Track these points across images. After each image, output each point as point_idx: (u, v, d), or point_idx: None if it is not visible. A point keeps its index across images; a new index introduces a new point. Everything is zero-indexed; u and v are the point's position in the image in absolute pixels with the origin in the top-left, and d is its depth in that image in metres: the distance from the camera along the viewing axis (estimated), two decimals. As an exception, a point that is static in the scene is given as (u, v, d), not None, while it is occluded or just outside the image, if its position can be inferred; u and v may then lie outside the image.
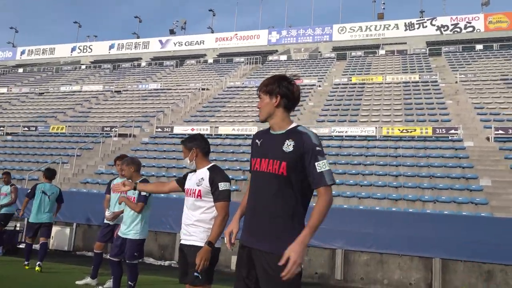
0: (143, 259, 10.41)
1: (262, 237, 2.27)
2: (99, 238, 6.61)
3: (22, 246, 10.78)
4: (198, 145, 3.60)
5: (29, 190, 7.87)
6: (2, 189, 9.12)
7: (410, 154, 14.92)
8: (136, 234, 5.21)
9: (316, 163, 2.22)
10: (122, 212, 5.82)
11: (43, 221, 7.60)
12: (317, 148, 2.25)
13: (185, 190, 3.57)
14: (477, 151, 14.80)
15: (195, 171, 3.60)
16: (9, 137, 21.63)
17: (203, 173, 3.51)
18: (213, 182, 3.42)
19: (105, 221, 6.47)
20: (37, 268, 7.27)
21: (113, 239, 5.91)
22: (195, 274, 3.21)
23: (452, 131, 16.02)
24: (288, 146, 2.26)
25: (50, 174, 7.87)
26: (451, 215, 10.15)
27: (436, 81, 24.17)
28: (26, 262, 7.64)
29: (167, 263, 10.32)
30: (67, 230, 11.31)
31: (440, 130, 16.15)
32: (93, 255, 6.94)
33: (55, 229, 11.13)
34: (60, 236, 11.29)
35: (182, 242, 3.55)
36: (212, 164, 3.63)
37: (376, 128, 17.12)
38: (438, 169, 13.52)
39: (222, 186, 3.40)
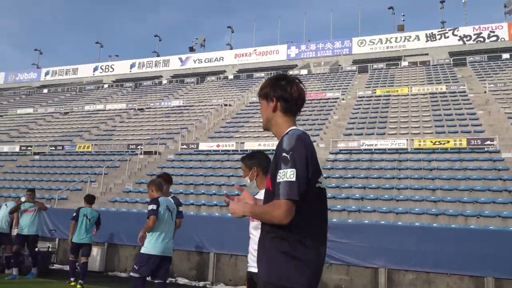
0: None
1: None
2: None
3: (54, 267, 10.67)
4: (259, 163, 3.37)
5: (74, 214, 8.52)
6: (25, 205, 8.99)
7: (446, 167, 14.40)
8: (143, 248, 5.35)
9: (278, 172, 1.89)
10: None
11: (85, 242, 8.45)
12: (283, 155, 1.90)
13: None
14: (517, 163, 14.20)
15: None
16: (36, 157, 21.85)
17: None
18: None
19: None
20: (78, 286, 7.95)
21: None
22: None
23: (488, 142, 15.45)
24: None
25: (90, 199, 8.85)
26: (502, 231, 9.61)
27: (465, 91, 23.58)
28: (71, 279, 8.32)
29: (201, 283, 10.02)
30: (99, 250, 11.14)
31: (475, 141, 15.59)
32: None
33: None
34: (91, 257, 11.11)
35: (251, 270, 3.27)
36: None
37: (407, 140, 16.65)
38: (478, 182, 12.97)
39: None
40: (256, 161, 3.40)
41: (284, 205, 1.83)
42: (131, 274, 5.35)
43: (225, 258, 10.26)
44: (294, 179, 1.84)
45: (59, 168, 19.50)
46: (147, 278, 5.42)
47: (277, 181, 1.87)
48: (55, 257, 10.85)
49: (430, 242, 8.76)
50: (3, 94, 44.99)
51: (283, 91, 2.06)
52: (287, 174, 1.85)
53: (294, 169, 1.85)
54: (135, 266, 5.34)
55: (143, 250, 5.33)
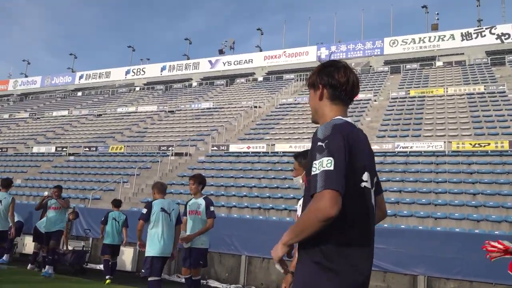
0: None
1: None
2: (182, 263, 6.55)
3: (88, 266, 10.78)
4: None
5: (103, 218, 9.23)
6: (50, 202, 8.96)
7: (487, 170, 13.75)
8: (146, 251, 5.79)
9: (313, 163, 1.69)
10: (195, 235, 5.97)
11: (115, 243, 9.01)
12: (318, 144, 1.70)
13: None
14: None
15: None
16: (71, 158, 22.37)
17: None
18: None
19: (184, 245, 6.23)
20: (107, 280, 8.56)
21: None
22: None
23: (533, 145, 14.67)
24: None
25: (117, 203, 9.62)
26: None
27: (504, 92, 22.59)
28: (107, 276, 8.70)
29: (233, 286, 9.89)
30: (131, 250, 11.19)
31: (519, 143, 14.83)
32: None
33: (121, 250, 11.11)
34: (123, 257, 11.18)
35: None
36: None
37: (444, 142, 16.04)
38: (522, 187, 12.31)
39: None
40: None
41: (327, 194, 1.59)
42: (149, 279, 5.66)
43: (257, 261, 10.10)
44: (332, 168, 1.62)
45: (93, 169, 19.87)
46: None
47: (313, 173, 1.66)
48: (89, 256, 10.95)
49: (473, 249, 8.30)
50: (40, 97, 46.55)
51: (330, 77, 1.88)
52: (323, 163, 1.64)
53: (331, 158, 1.64)
54: (143, 270, 5.72)
55: (146, 254, 5.74)
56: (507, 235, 9.90)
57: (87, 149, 23.16)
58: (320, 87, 1.90)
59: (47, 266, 8.70)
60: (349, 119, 1.85)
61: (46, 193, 9.52)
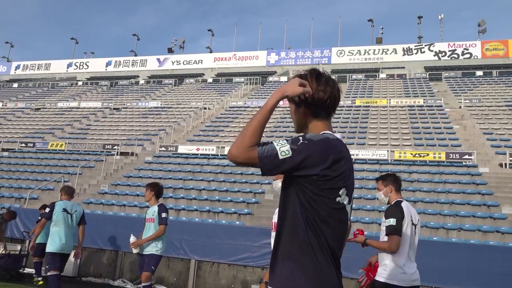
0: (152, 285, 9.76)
1: None
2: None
3: (26, 271, 10.10)
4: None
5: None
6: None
7: (426, 179, 14.57)
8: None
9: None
10: (143, 241, 6.07)
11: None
12: (293, 136, 1.74)
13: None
14: (494, 177, 14.51)
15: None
16: (5, 153, 20.86)
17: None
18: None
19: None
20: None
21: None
22: None
23: (466, 157, 15.75)
24: None
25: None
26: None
27: (441, 106, 24.12)
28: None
29: (181, 292, 9.67)
30: (72, 254, 10.60)
31: (454, 155, 15.87)
32: None
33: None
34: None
35: None
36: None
37: (388, 151, 16.80)
38: (457, 196, 13.16)
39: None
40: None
41: (254, 152, 1.64)
42: (48, 273, 6.16)
43: (206, 265, 9.96)
44: (277, 147, 1.63)
45: (30, 166, 18.67)
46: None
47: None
48: (26, 260, 10.24)
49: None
50: (-31, 86, 43.09)
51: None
52: (278, 144, 1.65)
53: (284, 141, 1.65)
54: (46, 266, 6.25)
55: (46, 250, 6.21)
56: (444, 241, 10.53)
57: (23, 144, 21.72)
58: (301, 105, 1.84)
59: None
60: (337, 135, 1.84)
61: None
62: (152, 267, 6.04)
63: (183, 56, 46.73)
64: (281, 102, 1.78)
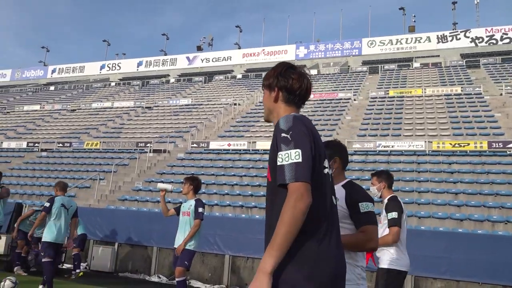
0: (189, 282, 9.73)
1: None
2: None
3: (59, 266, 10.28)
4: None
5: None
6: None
7: (467, 170, 13.90)
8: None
9: (279, 154, 1.65)
10: (185, 242, 5.96)
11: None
12: (282, 135, 1.68)
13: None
14: (541, 167, 13.69)
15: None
16: (44, 153, 21.50)
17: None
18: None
19: None
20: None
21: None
22: None
23: (511, 145, 14.93)
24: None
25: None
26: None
27: (481, 93, 23.06)
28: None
29: (216, 287, 9.60)
30: (109, 250, 10.75)
31: (497, 144, 15.08)
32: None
33: (96, 249, 10.69)
34: (101, 256, 10.73)
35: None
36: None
37: (425, 142, 16.17)
38: (502, 186, 12.47)
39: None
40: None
41: (300, 185, 1.58)
42: (43, 260, 6.49)
43: (241, 261, 9.84)
44: (300, 160, 1.61)
45: (67, 165, 19.15)
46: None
47: (279, 163, 1.63)
48: (64, 256, 10.43)
49: (458, 248, 8.31)
50: (10, 91, 44.81)
51: (286, 81, 1.91)
52: (291, 156, 1.62)
53: (298, 150, 1.63)
54: (42, 253, 6.52)
55: (43, 239, 6.60)
56: (490, 234, 9.99)
57: (60, 145, 22.33)
58: (275, 89, 1.93)
59: None
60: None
61: None
62: (186, 262, 5.97)
63: (212, 53, 46.89)
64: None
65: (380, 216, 4.10)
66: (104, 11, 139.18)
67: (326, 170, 1.80)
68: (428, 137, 17.27)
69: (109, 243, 10.94)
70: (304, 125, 1.72)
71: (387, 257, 3.98)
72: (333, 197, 1.85)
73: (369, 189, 4.07)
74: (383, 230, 4.00)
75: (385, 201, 4.13)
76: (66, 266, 10.36)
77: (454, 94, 23.49)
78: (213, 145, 19.26)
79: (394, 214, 3.92)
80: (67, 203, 6.84)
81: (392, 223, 3.93)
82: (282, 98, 1.92)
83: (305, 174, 1.59)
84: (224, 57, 45.84)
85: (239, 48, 47.51)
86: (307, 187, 1.58)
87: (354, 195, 2.69)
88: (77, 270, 9.20)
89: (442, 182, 13.17)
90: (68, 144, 22.15)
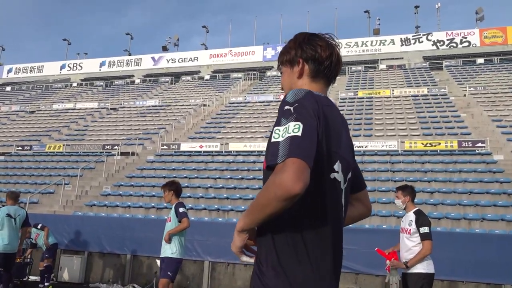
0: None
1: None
2: None
3: (30, 279, 9.55)
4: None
5: None
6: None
7: (440, 169, 14.11)
8: None
9: (275, 129, 1.33)
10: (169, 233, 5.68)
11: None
12: (286, 107, 1.35)
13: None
14: (510, 165, 14.08)
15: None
16: (1, 157, 20.21)
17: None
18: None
19: None
20: None
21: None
22: None
23: (479, 144, 15.32)
24: None
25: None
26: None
27: (446, 94, 23.71)
28: None
29: (195, 295, 9.17)
30: (78, 259, 10.09)
31: (466, 143, 15.44)
32: None
33: (64, 258, 10.00)
34: (70, 267, 10.05)
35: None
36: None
37: (398, 142, 16.33)
38: (475, 185, 12.71)
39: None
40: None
41: (291, 163, 1.21)
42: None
43: (221, 267, 9.47)
44: (299, 133, 1.26)
45: (28, 170, 18.05)
46: None
47: (273, 140, 1.29)
48: (30, 268, 9.68)
49: (440, 248, 8.26)
50: (-39, 91, 42.20)
51: (313, 49, 1.55)
52: (289, 129, 1.28)
53: (299, 123, 1.28)
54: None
55: None
56: (467, 232, 10.08)
57: (19, 148, 21.08)
58: (300, 61, 1.56)
59: None
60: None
61: None
62: (169, 273, 5.55)
63: (178, 54, 46.02)
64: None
65: (405, 226, 4.58)
66: (64, 9, 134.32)
67: (333, 175, 1.43)
68: (399, 137, 17.49)
69: (78, 252, 10.29)
70: (316, 101, 1.37)
71: (421, 263, 4.44)
72: (343, 210, 1.51)
73: (393, 202, 4.21)
74: (415, 243, 4.46)
75: (410, 213, 4.56)
76: (32, 278, 9.61)
77: (421, 95, 24.04)
78: (184, 147, 18.71)
79: (426, 229, 4.40)
80: (14, 212, 6.73)
81: (425, 237, 4.39)
82: (309, 72, 1.56)
83: (302, 150, 1.24)
84: (191, 58, 45.10)
85: (206, 48, 46.89)
86: (300, 167, 1.22)
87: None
88: (46, 284, 8.52)
89: (417, 181, 13.27)
90: (28, 147, 20.94)
